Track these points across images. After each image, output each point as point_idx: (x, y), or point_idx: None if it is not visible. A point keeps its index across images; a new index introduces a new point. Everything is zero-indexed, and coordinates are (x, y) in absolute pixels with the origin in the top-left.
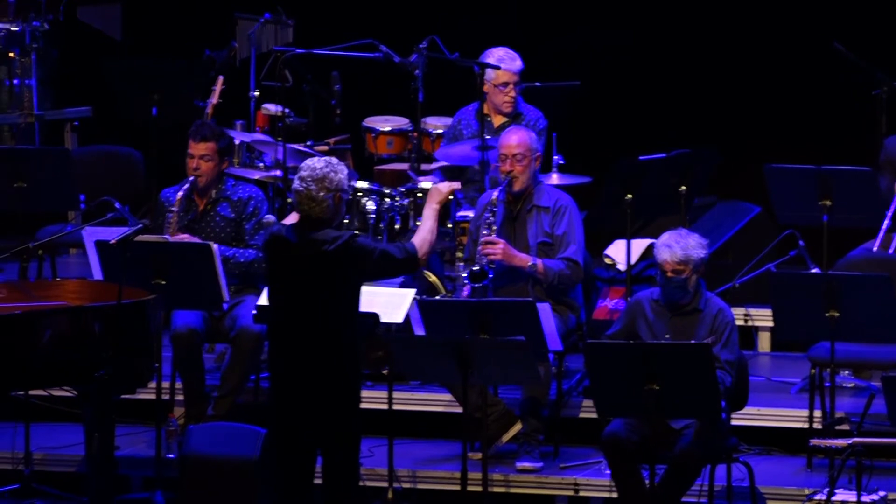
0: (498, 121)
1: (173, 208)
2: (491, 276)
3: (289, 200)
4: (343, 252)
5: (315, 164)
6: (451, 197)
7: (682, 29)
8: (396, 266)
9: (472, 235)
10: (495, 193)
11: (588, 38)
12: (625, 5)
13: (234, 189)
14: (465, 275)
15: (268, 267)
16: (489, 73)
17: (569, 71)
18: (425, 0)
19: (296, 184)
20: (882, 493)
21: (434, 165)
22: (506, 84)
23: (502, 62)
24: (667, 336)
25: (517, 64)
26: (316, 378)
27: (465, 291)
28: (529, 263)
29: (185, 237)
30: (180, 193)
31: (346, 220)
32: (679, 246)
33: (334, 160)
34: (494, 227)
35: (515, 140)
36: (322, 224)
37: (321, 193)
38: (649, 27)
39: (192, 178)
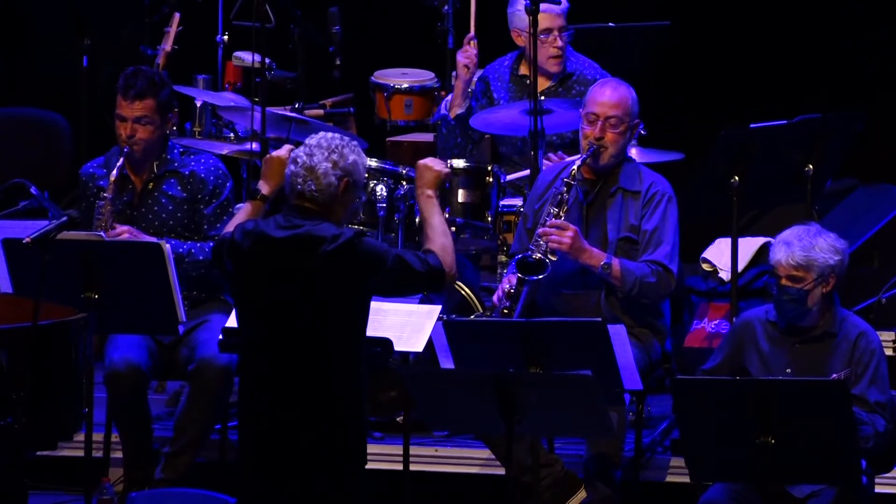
0: (541, 84)
1: (106, 195)
2: (549, 271)
3: None
4: (344, 256)
5: (328, 134)
6: (445, 177)
7: None
8: (416, 281)
9: (526, 221)
10: (577, 163)
11: None
12: None
13: (185, 160)
14: (511, 262)
15: (236, 276)
16: (519, 19)
17: (654, 10)
18: None
19: (295, 152)
20: None
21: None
22: (548, 31)
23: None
24: (787, 370)
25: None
26: (303, 427)
27: (506, 283)
28: (602, 262)
29: (124, 232)
30: (114, 174)
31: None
32: (800, 245)
33: (355, 142)
34: (566, 207)
35: (613, 97)
36: (317, 213)
37: (326, 164)
38: None
39: (125, 150)
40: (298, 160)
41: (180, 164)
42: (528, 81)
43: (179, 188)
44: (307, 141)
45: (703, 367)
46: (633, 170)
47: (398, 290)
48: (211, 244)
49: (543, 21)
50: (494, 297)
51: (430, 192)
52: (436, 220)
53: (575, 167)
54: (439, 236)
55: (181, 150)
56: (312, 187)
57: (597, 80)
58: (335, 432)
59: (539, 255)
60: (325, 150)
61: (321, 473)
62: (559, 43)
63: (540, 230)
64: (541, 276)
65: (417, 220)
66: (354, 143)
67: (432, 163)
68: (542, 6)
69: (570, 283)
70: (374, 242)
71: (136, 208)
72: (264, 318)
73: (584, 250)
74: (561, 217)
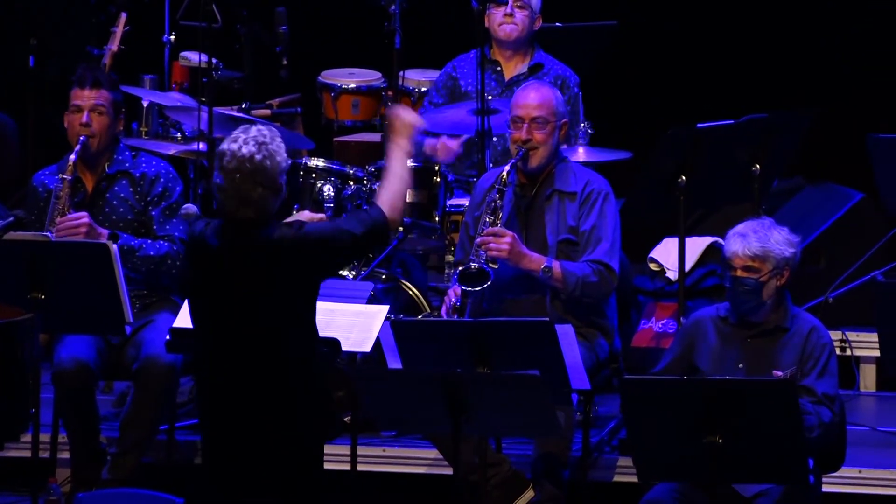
0: (510, 69)
1: (66, 177)
2: (492, 278)
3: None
4: (293, 248)
5: (242, 151)
6: (416, 124)
7: None
8: (361, 245)
9: (468, 230)
10: (506, 168)
11: None
12: None
13: (136, 161)
14: (454, 272)
15: (189, 280)
16: None
17: (602, 9)
18: None
19: (219, 178)
20: None
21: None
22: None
23: None
24: (739, 365)
25: None
26: (262, 426)
27: (452, 297)
28: (543, 266)
29: (83, 217)
30: (73, 157)
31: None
32: (756, 236)
33: (267, 136)
34: (501, 214)
35: (536, 98)
36: (256, 225)
37: (258, 190)
38: None
39: (82, 139)
40: (224, 189)
41: (132, 166)
42: (498, 68)
43: (130, 190)
44: (224, 160)
45: (654, 370)
46: (567, 170)
47: (348, 259)
48: (161, 243)
49: None
50: (442, 312)
51: (399, 140)
52: (396, 166)
53: (504, 172)
54: (393, 183)
55: (132, 153)
56: (249, 213)
57: (567, 77)
58: (295, 428)
59: (479, 264)
60: (249, 177)
61: (281, 470)
62: (508, 10)
63: (478, 240)
64: (484, 287)
65: None
66: (266, 133)
67: (403, 112)
68: None
69: (513, 289)
70: (315, 226)
71: (87, 208)
72: (219, 319)
73: (523, 255)
74: (497, 224)
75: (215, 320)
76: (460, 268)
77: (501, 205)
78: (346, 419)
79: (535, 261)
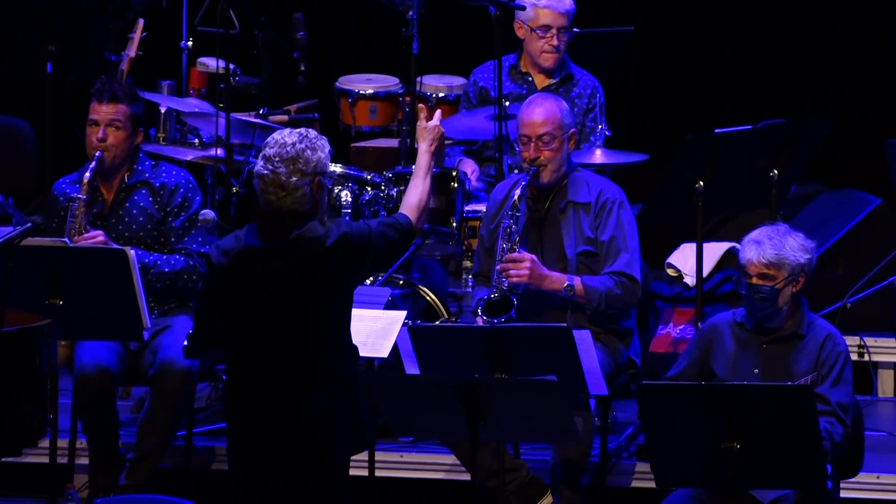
0: (542, 81)
1: (80, 196)
2: (516, 306)
3: (234, 189)
4: (340, 248)
5: (285, 138)
6: (441, 137)
7: None
8: (397, 250)
9: (483, 242)
10: (517, 192)
11: None
12: None
13: (156, 172)
14: (479, 306)
15: (221, 294)
16: (525, 12)
17: (620, 15)
18: None
19: (259, 165)
20: None
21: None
22: (547, 28)
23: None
24: (755, 371)
25: (565, 2)
26: (314, 418)
27: (481, 324)
28: (564, 285)
29: (98, 236)
30: (87, 176)
31: None
32: (771, 243)
33: (312, 133)
34: (518, 239)
35: (541, 115)
36: (296, 219)
37: (294, 178)
38: None
39: (97, 155)
40: (265, 176)
41: (151, 175)
42: (529, 78)
43: (150, 199)
44: (266, 150)
45: (668, 374)
46: (580, 180)
47: (386, 264)
48: (177, 258)
49: (546, 18)
50: None
51: (426, 147)
52: (420, 177)
53: (516, 196)
54: (418, 192)
55: (153, 163)
56: (288, 202)
57: (595, 88)
58: (346, 417)
59: (501, 293)
60: (288, 162)
61: (312, 470)
62: (555, 42)
63: (498, 267)
64: (509, 315)
65: None
66: (311, 133)
67: (427, 122)
68: (546, 2)
69: (534, 301)
70: (357, 229)
71: (105, 219)
72: (260, 326)
73: (544, 277)
74: (515, 250)
75: (254, 320)
76: (482, 299)
77: (516, 230)
78: None
79: (557, 280)
